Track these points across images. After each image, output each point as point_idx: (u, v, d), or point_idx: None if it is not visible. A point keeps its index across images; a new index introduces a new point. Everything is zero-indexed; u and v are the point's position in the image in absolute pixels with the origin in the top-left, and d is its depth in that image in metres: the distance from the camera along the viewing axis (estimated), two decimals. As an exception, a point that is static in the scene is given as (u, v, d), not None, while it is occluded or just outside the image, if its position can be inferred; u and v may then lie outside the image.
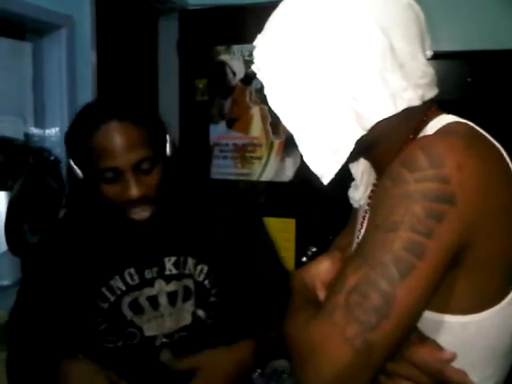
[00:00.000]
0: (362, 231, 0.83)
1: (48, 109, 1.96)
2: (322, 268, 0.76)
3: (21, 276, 1.69)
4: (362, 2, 0.69)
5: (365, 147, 0.76)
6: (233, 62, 2.50)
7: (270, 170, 2.49)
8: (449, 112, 0.77)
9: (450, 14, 2.11)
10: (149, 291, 1.14)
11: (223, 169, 2.57)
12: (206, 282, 1.17)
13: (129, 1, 2.33)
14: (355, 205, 0.94)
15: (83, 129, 1.04)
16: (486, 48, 2.11)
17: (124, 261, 1.14)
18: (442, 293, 0.66)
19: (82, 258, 1.13)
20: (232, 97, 2.52)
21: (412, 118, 0.74)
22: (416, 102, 0.70)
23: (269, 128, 2.47)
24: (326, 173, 0.72)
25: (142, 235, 1.13)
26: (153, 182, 1.05)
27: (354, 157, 0.76)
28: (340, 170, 0.72)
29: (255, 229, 1.23)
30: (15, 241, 1.70)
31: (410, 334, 0.66)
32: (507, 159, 0.70)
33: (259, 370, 1.80)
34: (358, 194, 0.90)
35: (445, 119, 0.74)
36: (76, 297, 1.12)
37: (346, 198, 0.94)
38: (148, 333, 1.14)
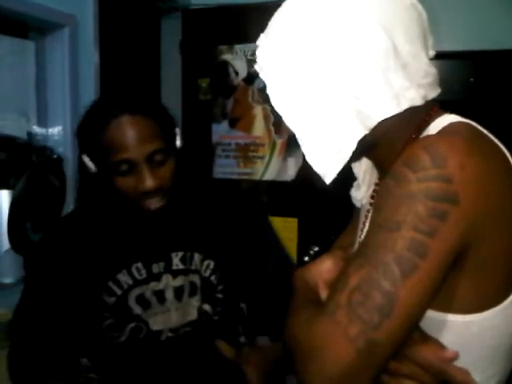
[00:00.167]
0: (365, 231, 0.83)
1: (51, 107, 1.96)
2: (324, 267, 0.76)
3: (23, 274, 1.70)
4: (365, 2, 0.69)
5: (367, 147, 0.76)
6: (235, 61, 2.50)
7: (273, 169, 2.49)
8: (451, 112, 0.77)
9: (453, 14, 2.11)
10: (155, 285, 1.15)
11: (225, 168, 2.56)
12: (213, 278, 1.18)
13: (132, 0, 2.33)
14: (357, 204, 0.94)
15: (95, 124, 1.06)
16: (488, 48, 2.11)
17: (132, 255, 1.15)
18: (445, 292, 0.66)
19: (89, 253, 1.13)
20: (234, 96, 2.52)
21: (414, 118, 0.74)
22: (418, 102, 0.70)
23: (271, 127, 2.47)
24: (328, 172, 0.72)
25: (152, 228, 1.15)
26: (166, 173, 1.07)
27: (356, 156, 0.75)
28: (342, 169, 0.72)
29: (261, 226, 1.25)
30: (18, 239, 1.70)
31: (413, 333, 0.66)
32: (510, 159, 0.69)
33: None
34: (361, 194, 0.90)
35: (447, 119, 0.74)
36: (82, 293, 1.12)
37: (349, 198, 0.95)
38: (154, 327, 1.14)
